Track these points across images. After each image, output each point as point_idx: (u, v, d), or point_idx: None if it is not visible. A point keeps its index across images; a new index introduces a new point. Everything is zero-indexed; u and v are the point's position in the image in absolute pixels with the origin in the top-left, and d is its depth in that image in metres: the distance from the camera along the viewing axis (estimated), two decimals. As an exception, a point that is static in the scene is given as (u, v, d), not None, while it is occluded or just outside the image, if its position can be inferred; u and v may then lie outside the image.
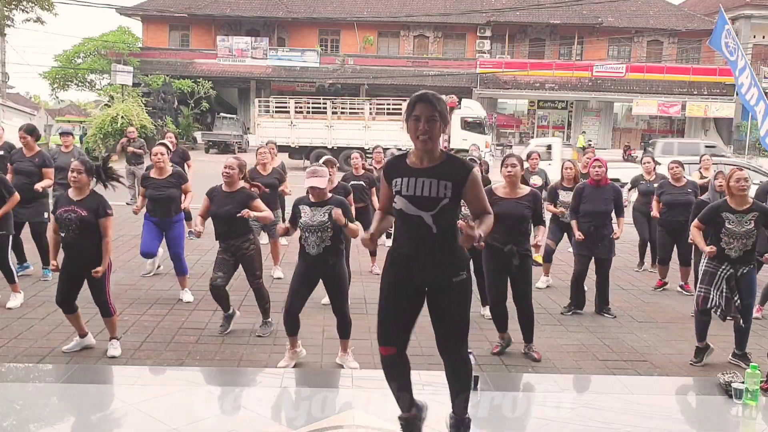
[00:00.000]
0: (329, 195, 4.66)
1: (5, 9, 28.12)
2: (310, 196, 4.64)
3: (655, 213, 7.40)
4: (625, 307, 6.63)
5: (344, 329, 4.67)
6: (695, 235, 5.12)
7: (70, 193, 4.75)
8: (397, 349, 3.19)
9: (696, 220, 5.16)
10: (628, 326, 6.01)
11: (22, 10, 29.07)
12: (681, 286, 7.28)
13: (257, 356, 4.93)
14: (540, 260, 8.21)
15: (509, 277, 5.06)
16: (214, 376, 4.50)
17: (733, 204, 4.89)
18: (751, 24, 32.37)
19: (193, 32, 35.57)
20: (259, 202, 5.39)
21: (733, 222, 4.83)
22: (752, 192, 6.76)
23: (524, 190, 5.04)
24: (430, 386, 4.45)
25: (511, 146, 30.46)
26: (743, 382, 4.16)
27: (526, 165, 8.24)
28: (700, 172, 9.17)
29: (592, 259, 6.26)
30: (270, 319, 5.50)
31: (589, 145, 29.37)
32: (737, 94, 11.27)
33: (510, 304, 5.15)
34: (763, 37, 32.98)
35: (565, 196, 7.03)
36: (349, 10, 34.76)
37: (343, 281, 4.66)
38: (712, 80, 31.98)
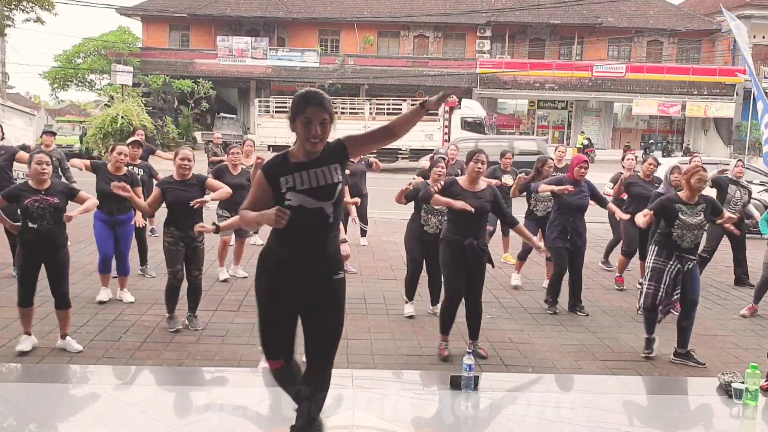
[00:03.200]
0: None
1: (5, 9, 28.11)
2: None
3: (619, 215, 7.37)
4: (625, 307, 6.63)
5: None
6: (638, 218, 5.16)
7: (32, 183, 4.75)
8: (285, 359, 3.14)
9: (647, 209, 5.23)
10: (628, 326, 6.01)
11: (22, 10, 29.06)
12: (640, 283, 7.31)
13: (257, 356, 4.92)
14: (510, 259, 8.23)
15: (467, 273, 4.97)
16: (214, 376, 4.50)
17: (685, 198, 5.03)
18: (751, 24, 32.33)
19: (193, 32, 35.56)
20: (212, 180, 5.56)
21: (686, 213, 4.95)
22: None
23: (482, 185, 5.07)
24: (430, 386, 4.46)
25: (511, 146, 30.46)
26: (743, 382, 4.17)
27: (499, 163, 8.30)
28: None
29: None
30: (197, 315, 5.54)
31: (588, 144, 29.44)
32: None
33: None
34: (763, 37, 32.97)
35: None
36: (349, 10, 34.75)
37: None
38: (712, 80, 31.99)
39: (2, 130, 7.43)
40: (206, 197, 5.35)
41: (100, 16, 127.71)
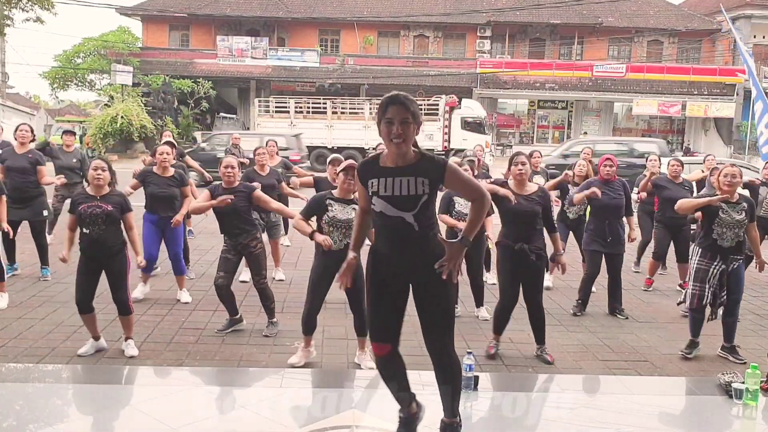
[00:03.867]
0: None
1: (5, 8, 28.10)
2: (337, 191, 4.63)
3: (642, 192, 7.48)
4: (626, 307, 6.61)
5: (362, 326, 4.63)
6: (690, 202, 5.15)
7: (89, 190, 4.81)
8: (392, 346, 3.23)
9: (691, 199, 5.28)
10: (628, 326, 6.01)
11: (22, 10, 29.06)
12: (680, 285, 7.29)
13: (257, 356, 4.93)
14: None
15: (522, 279, 5.00)
16: (214, 376, 4.50)
17: (726, 197, 5.00)
18: (752, 24, 32.36)
19: (193, 32, 35.54)
20: (259, 192, 5.45)
21: (726, 211, 4.93)
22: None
23: (533, 187, 5.03)
24: (432, 386, 4.46)
25: (511, 146, 30.48)
26: (743, 382, 4.16)
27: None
28: (702, 171, 9.25)
29: (603, 260, 6.26)
30: (275, 320, 5.50)
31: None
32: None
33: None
34: (764, 37, 32.95)
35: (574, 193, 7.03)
36: (349, 10, 34.73)
37: (362, 278, 4.64)
38: (712, 80, 31.97)
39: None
40: (226, 196, 5.21)
41: (100, 16, 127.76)
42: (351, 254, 3.27)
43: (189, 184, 6.59)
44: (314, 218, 4.65)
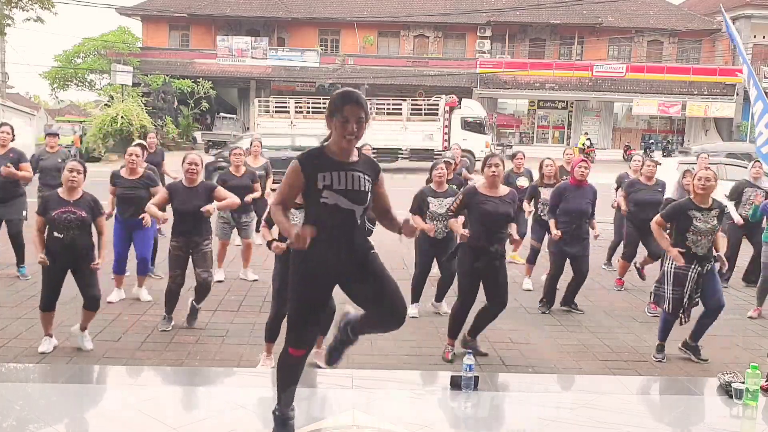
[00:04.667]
0: None
1: (5, 8, 28.10)
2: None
3: (623, 208, 7.38)
4: (625, 307, 6.62)
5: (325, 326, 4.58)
6: (657, 232, 5.13)
7: (62, 193, 4.74)
8: (309, 348, 3.29)
9: (658, 216, 5.18)
10: (628, 326, 6.01)
11: (22, 9, 29.06)
12: (637, 268, 7.37)
13: (257, 356, 4.93)
14: (517, 259, 8.22)
15: (487, 278, 4.95)
16: (214, 376, 4.50)
17: (698, 201, 4.97)
18: (752, 24, 32.35)
19: (193, 32, 35.54)
20: (221, 190, 5.46)
21: (700, 219, 4.90)
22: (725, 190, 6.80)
23: (505, 189, 5.03)
24: (429, 386, 4.46)
25: (511, 146, 30.49)
26: (743, 382, 4.16)
27: (510, 166, 8.25)
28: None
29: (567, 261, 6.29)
30: (200, 307, 5.55)
31: (589, 145, 29.43)
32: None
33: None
34: (764, 37, 32.95)
35: (546, 194, 7.01)
36: (349, 10, 34.74)
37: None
38: (712, 80, 31.97)
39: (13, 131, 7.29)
40: (210, 206, 5.25)
41: (100, 16, 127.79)
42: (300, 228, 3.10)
43: (158, 185, 6.48)
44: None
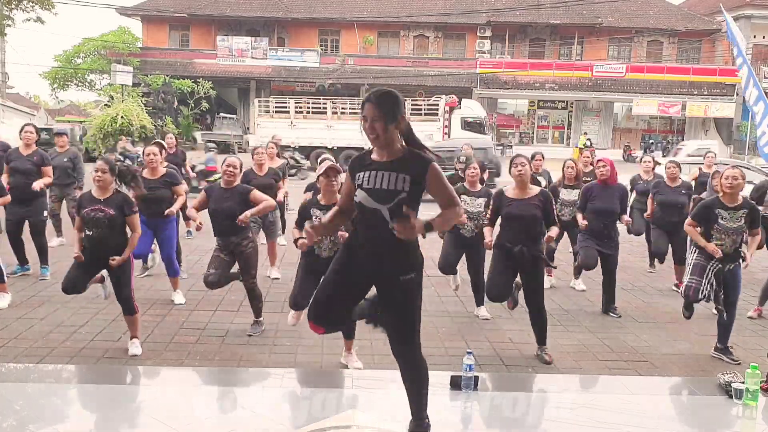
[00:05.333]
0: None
1: (5, 9, 28.11)
2: (321, 197, 4.67)
3: (648, 212, 7.42)
4: (625, 307, 6.62)
5: (349, 329, 4.64)
6: (692, 234, 5.14)
7: (94, 192, 4.82)
8: (325, 332, 3.38)
9: (689, 218, 5.20)
10: (628, 326, 6.01)
11: (22, 10, 29.08)
12: (675, 285, 7.30)
13: (257, 356, 4.94)
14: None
15: (522, 281, 5.05)
16: (214, 376, 4.50)
17: (726, 201, 4.96)
18: (752, 24, 32.35)
19: (193, 32, 35.55)
20: (257, 193, 5.40)
21: (725, 218, 4.90)
22: (747, 191, 6.79)
23: (534, 190, 5.02)
24: (435, 386, 4.45)
25: (511, 146, 30.49)
26: (743, 382, 4.16)
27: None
28: (700, 169, 9.23)
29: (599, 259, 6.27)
30: (261, 319, 5.52)
31: (589, 144, 29.45)
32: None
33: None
34: (764, 37, 32.96)
35: (566, 194, 7.04)
36: (349, 10, 34.74)
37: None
38: (712, 80, 31.99)
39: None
40: (243, 216, 5.17)
41: (100, 16, 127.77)
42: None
43: (181, 183, 6.52)
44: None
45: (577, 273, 7.24)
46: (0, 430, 3.55)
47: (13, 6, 28.56)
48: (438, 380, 4.43)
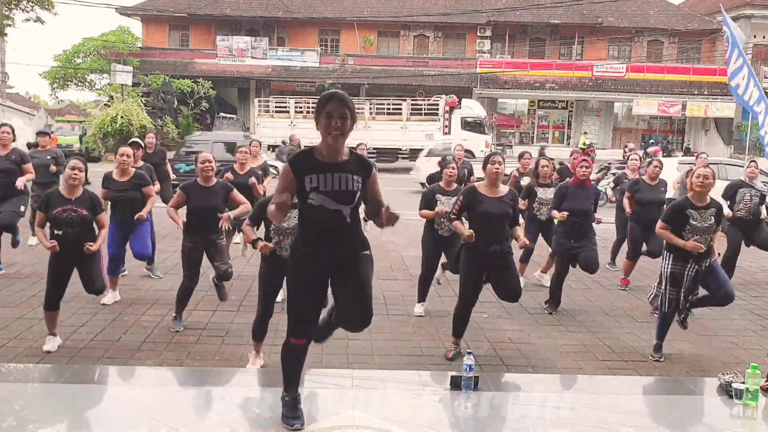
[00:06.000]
0: None
1: (5, 9, 28.11)
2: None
3: (628, 210, 7.41)
4: (625, 307, 6.62)
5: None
6: (666, 236, 5.08)
7: (63, 191, 4.78)
8: (308, 338, 3.47)
9: (660, 221, 5.16)
10: (628, 326, 6.01)
11: (22, 10, 29.07)
12: (621, 285, 7.39)
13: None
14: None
15: (492, 277, 4.96)
16: (214, 376, 4.50)
17: (695, 201, 4.95)
18: (752, 24, 32.34)
19: (192, 32, 35.55)
20: (236, 193, 5.49)
21: (696, 219, 4.90)
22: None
23: (504, 188, 5.03)
24: (431, 386, 4.46)
25: (511, 146, 30.48)
26: (743, 382, 4.16)
27: (516, 166, 8.27)
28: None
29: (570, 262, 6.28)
30: (225, 289, 5.63)
31: (590, 145, 29.44)
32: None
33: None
34: (764, 37, 32.95)
35: (542, 193, 7.04)
36: (349, 10, 34.74)
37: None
38: (713, 80, 31.96)
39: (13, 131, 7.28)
40: (227, 216, 5.22)
41: (100, 16, 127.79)
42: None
43: (152, 183, 6.50)
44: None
45: (547, 268, 7.30)
46: (0, 430, 3.55)
47: (13, 6, 28.54)
48: (438, 380, 4.44)
